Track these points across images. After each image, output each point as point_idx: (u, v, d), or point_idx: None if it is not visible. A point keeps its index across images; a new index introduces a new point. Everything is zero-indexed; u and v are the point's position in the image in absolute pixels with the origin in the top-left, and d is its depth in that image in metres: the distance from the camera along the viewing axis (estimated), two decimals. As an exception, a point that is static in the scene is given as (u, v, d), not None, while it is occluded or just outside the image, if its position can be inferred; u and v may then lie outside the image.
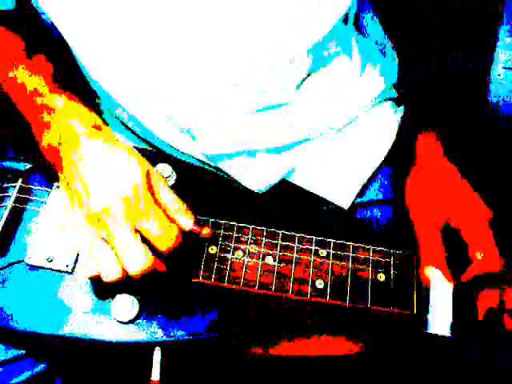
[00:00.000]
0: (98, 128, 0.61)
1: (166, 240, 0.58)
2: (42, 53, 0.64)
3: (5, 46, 0.64)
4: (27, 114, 0.62)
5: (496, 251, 0.62)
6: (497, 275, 0.62)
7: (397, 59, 0.79)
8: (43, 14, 0.66)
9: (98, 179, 0.57)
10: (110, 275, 0.57)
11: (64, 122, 0.60)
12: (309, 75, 0.73)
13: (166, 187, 0.61)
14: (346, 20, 0.74)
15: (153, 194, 0.59)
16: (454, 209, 0.64)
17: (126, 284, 0.60)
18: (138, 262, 0.56)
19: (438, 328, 0.61)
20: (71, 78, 0.64)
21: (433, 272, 0.62)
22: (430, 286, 0.62)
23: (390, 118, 0.81)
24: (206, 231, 0.63)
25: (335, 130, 0.77)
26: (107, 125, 0.62)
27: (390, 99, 0.82)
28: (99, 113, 0.63)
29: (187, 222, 0.61)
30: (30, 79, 0.62)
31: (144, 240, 0.58)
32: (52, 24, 0.66)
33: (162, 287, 0.65)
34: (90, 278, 0.59)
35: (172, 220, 0.60)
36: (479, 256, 0.61)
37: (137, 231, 0.57)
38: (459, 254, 0.63)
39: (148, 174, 0.59)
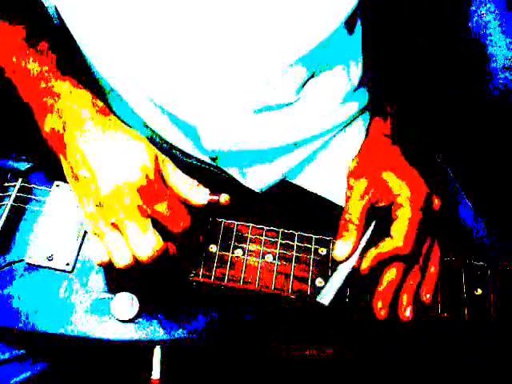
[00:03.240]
0: (104, 113, 0.60)
1: (178, 221, 0.58)
2: (45, 41, 0.64)
3: (8, 33, 0.64)
4: (30, 98, 0.62)
5: (416, 233, 0.62)
6: (405, 257, 0.62)
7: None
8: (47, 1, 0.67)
9: (106, 164, 0.56)
10: (121, 261, 0.56)
11: (69, 107, 0.59)
12: (312, 76, 0.73)
13: (176, 169, 0.60)
14: (351, 28, 0.74)
15: (162, 177, 0.59)
16: (391, 185, 0.65)
17: (128, 280, 0.61)
18: (148, 246, 0.55)
19: (321, 297, 0.62)
20: (75, 69, 0.63)
21: (340, 245, 0.63)
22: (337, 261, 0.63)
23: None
24: (224, 198, 0.61)
25: (336, 129, 0.77)
26: (112, 111, 0.62)
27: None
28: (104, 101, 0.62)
29: (202, 195, 0.60)
30: (34, 64, 0.61)
31: (155, 225, 0.57)
32: (55, 12, 0.66)
33: (162, 286, 0.65)
34: (100, 265, 0.58)
35: (185, 200, 0.60)
36: (395, 233, 0.62)
37: (147, 216, 0.56)
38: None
39: (156, 158, 0.58)
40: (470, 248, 0.78)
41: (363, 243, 0.63)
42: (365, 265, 0.63)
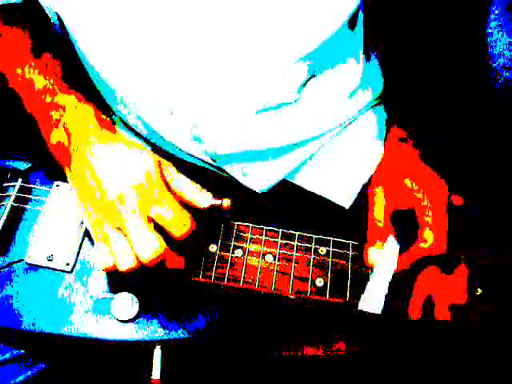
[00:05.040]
0: (108, 127, 0.61)
1: (180, 225, 0.58)
2: (49, 51, 0.64)
3: (12, 43, 0.64)
4: (35, 112, 0.63)
5: (445, 235, 0.63)
6: (439, 259, 0.64)
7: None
8: (48, 9, 0.67)
9: (111, 171, 0.58)
10: (125, 264, 0.57)
11: (74, 120, 0.60)
12: (312, 76, 0.73)
13: (179, 173, 0.62)
14: (353, 26, 0.74)
15: (165, 182, 0.60)
16: (409, 191, 0.66)
17: (128, 281, 0.61)
18: (150, 249, 0.56)
19: (369, 306, 0.62)
20: (76, 78, 0.64)
21: (375, 253, 0.64)
22: (373, 268, 0.64)
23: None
24: (226, 203, 0.63)
25: (337, 129, 0.77)
26: (115, 124, 0.63)
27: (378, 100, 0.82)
28: (106, 113, 0.64)
29: (205, 198, 0.62)
30: (38, 77, 0.62)
31: (159, 230, 0.58)
32: (58, 20, 0.66)
33: (162, 286, 0.65)
34: (105, 271, 0.59)
35: (188, 203, 0.61)
36: (429, 236, 0.64)
37: (150, 220, 0.57)
38: (409, 233, 0.65)
39: (159, 164, 0.60)
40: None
41: (395, 248, 0.64)
42: (398, 268, 0.64)
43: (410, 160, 0.70)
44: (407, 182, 0.67)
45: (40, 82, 0.62)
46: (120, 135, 0.61)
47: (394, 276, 0.64)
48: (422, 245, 0.64)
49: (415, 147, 0.71)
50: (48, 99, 0.61)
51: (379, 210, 0.66)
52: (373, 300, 0.63)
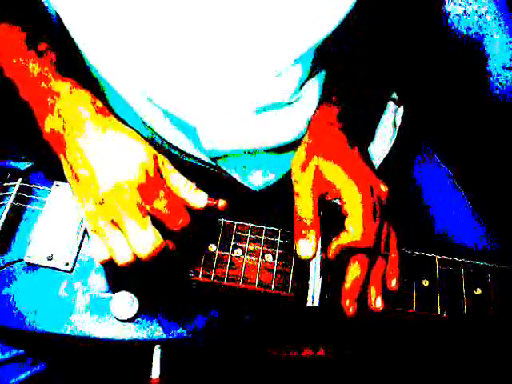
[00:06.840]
0: (103, 113, 0.60)
1: (176, 219, 0.58)
2: (45, 41, 0.64)
3: (8, 35, 0.64)
4: (30, 98, 0.62)
5: (371, 225, 0.60)
6: (367, 249, 0.61)
7: None
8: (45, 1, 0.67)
9: (105, 162, 0.57)
10: (122, 258, 0.56)
11: (69, 107, 0.59)
12: (311, 75, 0.73)
13: (175, 171, 0.61)
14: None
15: (161, 176, 0.59)
16: (336, 178, 0.63)
17: (128, 280, 0.61)
18: (147, 243, 0.56)
19: (311, 302, 0.61)
20: (75, 69, 0.64)
21: (304, 245, 0.61)
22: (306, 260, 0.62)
23: (390, 117, 0.81)
24: (221, 203, 0.62)
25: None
26: (112, 112, 0.62)
27: (391, 99, 0.82)
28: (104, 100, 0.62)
29: (201, 198, 0.61)
30: (34, 65, 0.62)
31: (154, 223, 0.57)
32: (55, 13, 0.66)
33: (161, 286, 0.65)
34: (101, 263, 0.58)
35: (183, 201, 0.60)
36: (351, 226, 0.60)
37: (146, 213, 0.57)
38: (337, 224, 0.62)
39: (155, 157, 0.59)
40: (469, 248, 0.78)
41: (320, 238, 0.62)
42: (330, 254, 0.62)
43: (337, 145, 0.66)
44: (331, 169, 0.63)
45: (35, 69, 0.62)
46: (116, 122, 0.60)
47: (326, 267, 0.62)
48: (344, 234, 0.61)
49: (343, 131, 0.67)
50: (43, 85, 0.61)
51: (304, 200, 0.63)
52: (309, 293, 0.61)
